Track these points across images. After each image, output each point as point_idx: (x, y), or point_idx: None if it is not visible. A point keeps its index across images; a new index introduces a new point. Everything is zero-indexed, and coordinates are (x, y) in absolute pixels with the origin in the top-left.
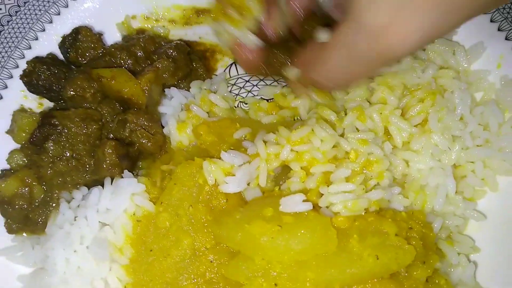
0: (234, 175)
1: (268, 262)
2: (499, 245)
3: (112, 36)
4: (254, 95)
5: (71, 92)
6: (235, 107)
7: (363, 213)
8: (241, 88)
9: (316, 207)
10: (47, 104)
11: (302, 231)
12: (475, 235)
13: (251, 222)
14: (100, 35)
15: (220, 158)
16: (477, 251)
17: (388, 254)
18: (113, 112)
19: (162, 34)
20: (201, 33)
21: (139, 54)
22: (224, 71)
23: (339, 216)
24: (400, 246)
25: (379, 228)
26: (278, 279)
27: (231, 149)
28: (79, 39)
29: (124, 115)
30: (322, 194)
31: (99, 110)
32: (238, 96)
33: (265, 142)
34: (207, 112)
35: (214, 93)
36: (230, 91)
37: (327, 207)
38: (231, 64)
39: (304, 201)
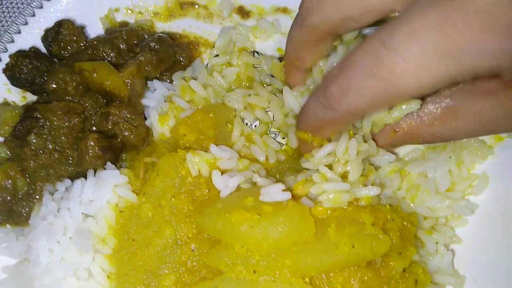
0: (218, 168)
1: (248, 250)
2: (481, 235)
3: (95, 29)
4: None
5: (53, 86)
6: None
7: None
8: None
9: (296, 197)
10: (31, 97)
11: (281, 220)
12: (461, 229)
13: (232, 211)
14: (82, 28)
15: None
16: (459, 242)
17: (364, 243)
18: (96, 105)
19: (145, 27)
20: (184, 25)
21: (122, 47)
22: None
23: (318, 206)
24: (376, 235)
25: (356, 218)
26: (257, 266)
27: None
28: (61, 32)
29: (107, 108)
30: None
31: (82, 103)
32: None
33: None
34: (188, 102)
35: (195, 79)
36: None
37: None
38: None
39: (283, 190)
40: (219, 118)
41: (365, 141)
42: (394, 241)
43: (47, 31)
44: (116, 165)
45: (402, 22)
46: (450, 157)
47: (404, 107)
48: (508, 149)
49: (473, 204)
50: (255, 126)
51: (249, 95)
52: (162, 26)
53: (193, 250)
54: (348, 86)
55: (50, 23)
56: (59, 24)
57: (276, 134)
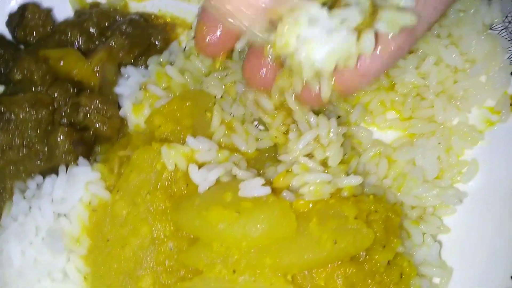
0: (196, 161)
1: (227, 248)
2: (470, 224)
3: (65, 11)
4: None
5: (18, 75)
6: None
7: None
8: None
9: (277, 191)
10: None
11: (260, 217)
12: (449, 218)
13: (209, 209)
14: (49, 11)
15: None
16: (447, 232)
17: (346, 238)
18: (65, 95)
19: (118, 8)
20: (160, 5)
21: (92, 31)
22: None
23: (299, 199)
24: (359, 229)
25: (338, 211)
26: (236, 265)
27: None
28: (26, 16)
29: (77, 98)
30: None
31: (50, 94)
32: None
33: None
34: (164, 89)
35: (171, 64)
36: None
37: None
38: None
39: (263, 184)
40: (197, 107)
41: None
42: (378, 234)
43: (11, 16)
44: (89, 159)
45: None
46: (439, 143)
47: None
48: (499, 135)
49: (462, 193)
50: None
51: (226, 75)
52: (136, 6)
53: (170, 249)
54: None
55: (15, 7)
56: (24, 7)
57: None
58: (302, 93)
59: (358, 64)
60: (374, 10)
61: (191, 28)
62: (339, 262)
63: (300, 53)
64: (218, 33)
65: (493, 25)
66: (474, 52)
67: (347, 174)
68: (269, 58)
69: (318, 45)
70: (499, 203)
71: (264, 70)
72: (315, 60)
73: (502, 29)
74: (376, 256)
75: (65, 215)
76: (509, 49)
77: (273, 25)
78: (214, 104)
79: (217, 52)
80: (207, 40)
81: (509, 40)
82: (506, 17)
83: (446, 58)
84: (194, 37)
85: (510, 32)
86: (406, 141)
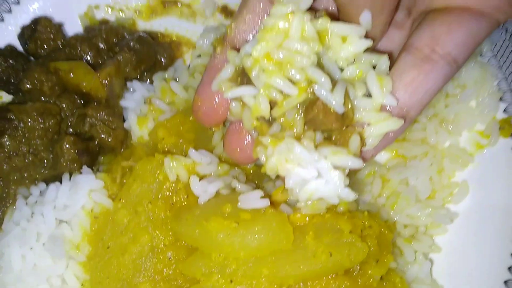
0: (198, 173)
1: (225, 258)
2: (460, 244)
3: (74, 27)
4: None
5: (28, 86)
6: None
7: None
8: None
9: (275, 204)
10: (7, 97)
11: (258, 228)
12: (440, 237)
13: (209, 219)
14: (60, 26)
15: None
16: (438, 250)
17: (341, 251)
18: (72, 106)
19: (126, 25)
20: (167, 24)
21: (101, 46)
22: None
23: (296, 213)
24: (353, 243)
25: (334, 226)
26: (234, 275)
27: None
28: (38, 30)
29: (84, 109)
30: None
31: (58, 104)
32: None
33: None
34: (168, 104)
35: (176, 81)
36: None
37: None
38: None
39: (262, 197)
40: None
41: None
42: (371, 249)
43: (24, 28)
44: (93, 169)
45: None
46: (431, 164)
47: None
48: (488, 158)
49: (453, 213)
50: None
51: None
52: (143, 25)
53: (169, 258)
54: None
55: (27, 21)
56: (36, 21)
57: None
58: None
59: None
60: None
61: (195, 47)
62: (334, 275)
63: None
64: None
65: (483, 53)
66: (464, 79)
67: None
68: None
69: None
70: (489, 223)
71: (245, 145)
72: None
73: (491, 57)
74: (370, 271)
75: (66, 221)
76: (498, 75)
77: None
78: None
79: (212, 122)
80: (203, 110)
81: (498, 68)
82: (495, 45)
83: None
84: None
85: (498, 60)
86: (400, 161)
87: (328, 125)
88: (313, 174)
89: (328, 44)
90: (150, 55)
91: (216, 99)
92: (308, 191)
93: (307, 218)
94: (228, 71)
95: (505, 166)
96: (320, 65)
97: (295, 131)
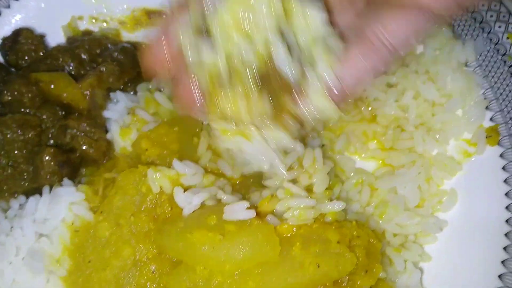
0: (182, 184)
1: (210, 271)
2: (450, 252)
3: (57, 38)
4: None
5: (8, 97)
6: None
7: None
8: None
9: (261, 215)
10: None
11: (244, 240)
12: (430, 246)
13: (193, 231)
14: (42, 37)
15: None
16: (428, 259)
17: (329, 262)
18: (53, 117)
19: (110, 36)
20: (151, 35)
21: (83, 57)
22: None
23: (283, 223)
24: (341, 254)
25: (321, 236)
26: None
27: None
28: (19, 41)
29: (65, 120)
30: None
31: (39, 115)
32: None
33: None
34: (153, 114)
35: (160, 91)
36: None
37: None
38: None
39: (247, 208)
40: (185, 132)
41: None
42: (360, 259)
43: (4, 39)
44: (74, 181)
45: None
46: (419, 173)
47: None
48: (475, 166)
49: (442, 221)
50: None
51: None
52: (128, 35)
53: (153, 272)
54: None
55: (8, 31)
56: (17, 32)
57: None
58: None
59: None
60: None
61: None
62: (322, 287)
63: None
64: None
65: (468, 63)
66: (450, 87)
67: (330, 200)
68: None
69: None
70: (478, 231)
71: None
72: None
73: (477, 67)
74: (359, 282)
75: (47, 235)
76: (484, 84)
77: None
78: (201, 130)
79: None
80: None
81: (483, 77)
82: (480, 55)
83: (424, 93)
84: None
85: (484, 70)
86: (388, 170)
87: (279, 94)
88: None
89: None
90: (133, 65)
91: (166, 46)
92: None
93: (294, 229)
94: (188, 19)
95: (493, 173)
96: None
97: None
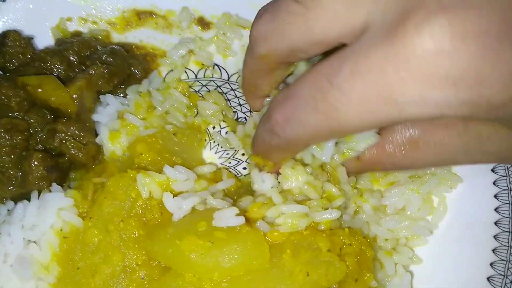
0: (173, 190)
1: (199, 278)
2: (441, 255)
3: (46, 40)
4: None
5: None
6: None
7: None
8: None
9: (251, 221)
10: None
11: (233, 247)
12: (421, 249)
13: (182, 238)
14: (30, 39)
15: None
16: (419, 262)
17: (319, 270)
18: (42, 121)
19: (100, 37)
20: (142, 36)
21: (72, 59)
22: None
23: (274, 230)
24: (331, 262)
25: (312, 243)
26: None
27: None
28: (6, 43)
29: (54, 124)
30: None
31: (27, 119)
32: None
33: None
34: (143, 119)
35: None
36: None
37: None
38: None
39: (237, 214)
40: (187, 139)
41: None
42: (350, 268)
43: None
44: (63, 186)
45: (347, 60)
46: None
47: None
48: (465, 169)
49: (432, 224)
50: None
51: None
52: (118, 37)
53: (142, 278)
54: (292, 115)
55: None
56: (4, 35)
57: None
58: None
59: None
60: None
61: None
62: None
63: None
64: None
65: None
66: None
67: (325, 209)
68: None
69: None
70: (467, 233)
71: None
72: None
73: None
74: None
75: (35, 241)
76: None
77: None
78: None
79: None
80: None
81: None
82: None
83: None
84: None
85: None
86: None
87: None
88: None
89: None
90: (123, 68)
91: None
92: None
93: (284, 236)
94: None
95: (482, 176)
96: None
97: None
